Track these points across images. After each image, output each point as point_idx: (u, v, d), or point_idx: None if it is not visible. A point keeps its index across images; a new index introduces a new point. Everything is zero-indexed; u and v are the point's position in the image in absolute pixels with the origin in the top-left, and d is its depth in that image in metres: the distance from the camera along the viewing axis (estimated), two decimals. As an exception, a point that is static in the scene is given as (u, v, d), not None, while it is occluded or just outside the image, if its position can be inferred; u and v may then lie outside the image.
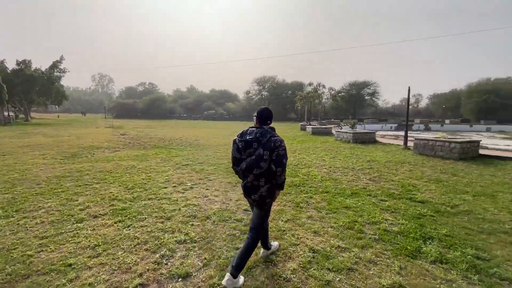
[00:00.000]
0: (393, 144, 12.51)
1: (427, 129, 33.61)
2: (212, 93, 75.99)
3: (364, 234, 3.31)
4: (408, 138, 11.36)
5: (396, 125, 35.02)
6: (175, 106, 68.74)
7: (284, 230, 3.41)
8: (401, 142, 12.11)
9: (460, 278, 2.44)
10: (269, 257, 2.78)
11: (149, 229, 3.40)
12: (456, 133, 27.53)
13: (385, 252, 2.89)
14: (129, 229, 3.40)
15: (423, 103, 69.78)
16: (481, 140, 9.74)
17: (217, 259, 2.73)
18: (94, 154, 9.42)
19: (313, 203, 4.47)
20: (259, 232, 2.44)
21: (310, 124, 23.69)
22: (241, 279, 2.32)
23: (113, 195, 4.76)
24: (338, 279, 2.42)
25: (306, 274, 2.49)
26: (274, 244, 2.92)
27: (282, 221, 3.72)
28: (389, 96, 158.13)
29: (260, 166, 2.20)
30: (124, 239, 3.14)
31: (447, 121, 39.02)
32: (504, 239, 3.19)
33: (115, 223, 3.58)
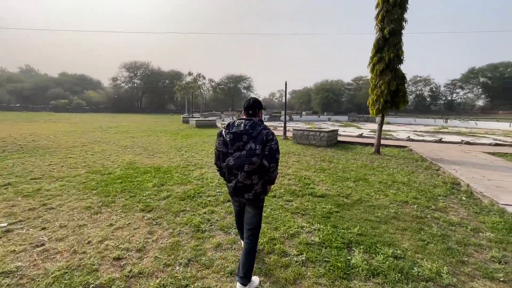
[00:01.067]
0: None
1: (291, 119, 39.95)
2: (63, 78, 59.01)
3: (289, 257, 2.66)
4: (286, 129, 12.41)
5: (268, 116, 39.52)
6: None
7: (186, 286, 2.24)
8: (281, 133, 13.13)
9: (396, 292, 2.18)
10: None
11: None
12: (311, 123, 34.20)
13: (320, 280, 2.33)
14: None
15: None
16: (338, 129, 11.90)
17: None
18: None
19: (217, 220, 3.49)
20: (258, 231, 2.30)
21: (193, 117, 22.34)
22: (254, 281, 2.21)
23: None
24: None
25: None
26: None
27: (179, 265, 2.51)
28: (260, 90, 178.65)
29: (252, 162, 2.04)
30: None
31: (303, 113, 47.83)
32: (398, 225, 3.41)
33: None
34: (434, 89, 57.58)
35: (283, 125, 12.19)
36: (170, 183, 5.04)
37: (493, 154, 8.62)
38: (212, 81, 37.08)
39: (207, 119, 19.03)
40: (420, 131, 20.00)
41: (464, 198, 4.48)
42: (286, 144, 10.50)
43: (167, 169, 6.09)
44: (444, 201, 4.34)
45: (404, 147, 9.80)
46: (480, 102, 57.96)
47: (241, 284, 2.08)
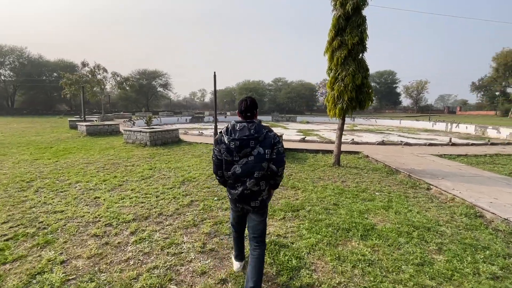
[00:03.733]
0: (201, 143, 10.29)
1: (216, 120, 37.08)
2: None
3: None
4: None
5: (190, 117, 35.51)
6: None
7: None
8: (210, 140, 10.17)
9: None
10: None
11: None
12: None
13: None
14: None
15: (207, 97, 79.48)
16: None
17: None
18: None
19: None
20: (265, 237, 2.17)
21: (85, 120, 16.62)
22: None
23: None
24: None
25: None
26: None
27: None
28: (180, 89, 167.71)
29: (262, 168, 1.93)
30: None
31: (228, 113, 45.61)
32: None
33: None
34: (339, 91, 64.79)
35: (213, 128, 9.25)
36: None
37: (440, 156, 8.14)
38: (117, 75, 30.07)
39: (106, 123, 14.07)
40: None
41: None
42: (220, 158, 7.68)
43: None
44: (525, 270, 2.47)
45: (357, 152, 8.48)
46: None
47: None
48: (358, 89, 6.14)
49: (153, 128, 10.50)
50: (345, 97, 6.06)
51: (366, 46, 6.17)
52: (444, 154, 8.38)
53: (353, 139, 11.43)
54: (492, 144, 10.66)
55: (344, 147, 9.12)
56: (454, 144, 10.41)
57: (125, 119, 25.14)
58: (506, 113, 42.20)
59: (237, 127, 1.92)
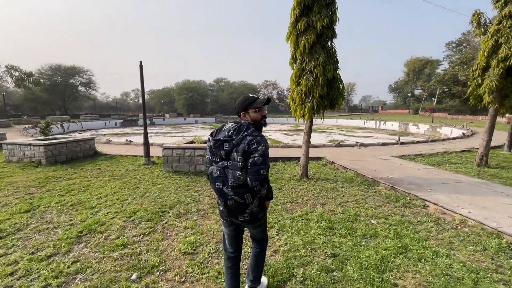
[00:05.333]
0: (127, 156, 7.83)
1: (152, 123, 32.99)
2: None
3: None
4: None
5: (121, 120, 30.77)
6: None
7: None
8: (140, 151, 7.81)
9: None
10: None
11: None
12: (177, 126, 29.20)
13: None
14: None
15: (143, 98, 71.84)
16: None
17: None
18: None
19: None
20: (266, 238, 2.04)
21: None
22: (264, 282, 2.13)
23: None
24: None
25: None
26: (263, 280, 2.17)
27: None
28: (109, 89, 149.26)
29: (237, 177, 1.66)
30: None
31: (167, 115, 41.50)
32: None
33: None
34: (280, 92, 66.59)
35: (142, 135, 7.00)
36: None
37: (400, 157, 7.75)
38: (16, 69, 23.39)
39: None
40: (286, 130, 21.24)
41: None
42: (151, 177, 5.58)
43: None
44: None
45: (320, 158, 7.45)
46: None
47: (250, 287, 1.99)
48: (329, 84, 4.96)
49: (52, 139, 7.52)
50: (316, 93, 4.79)
51: (335, 30, 5.03)
52: (403, 155, 8.05)
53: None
54: (432, 141, 11.18)
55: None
56: (403, 143, 10.49)
57: (28, 126, 19.69)
58: (416, 111, 49.52)
59: (225, 127, 1.78)
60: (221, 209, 1.82)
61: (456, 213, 3.55)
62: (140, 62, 6.47)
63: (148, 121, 32.71)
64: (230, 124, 1.76)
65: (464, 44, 42.81)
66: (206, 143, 6.65)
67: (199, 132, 20.77)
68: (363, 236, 3.05)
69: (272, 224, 3.33)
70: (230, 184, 1.68)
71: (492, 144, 7.35)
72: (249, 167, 1.63)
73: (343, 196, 4.46)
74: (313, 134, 16.38)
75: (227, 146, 1.69)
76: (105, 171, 6.12)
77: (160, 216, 3.57)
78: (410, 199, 4.24)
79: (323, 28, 4.72)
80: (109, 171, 6.07)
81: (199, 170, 5.96)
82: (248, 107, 1.76)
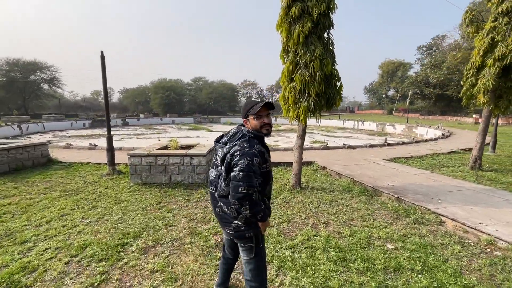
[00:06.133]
0: (89, 163, 6.69)
1: (126, 124, 30.86)
2: None
3: None
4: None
5: (90, 121, 28.33)
6: None
7: None
8: (103, 157, 6.70)
9: None
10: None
11: None
12: (153, 127, 27.46)
13: None
14: None
15: (115, 97, 67.98)
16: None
17: None
18: None
19: None
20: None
21: None
22: None
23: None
24: None
25: None
26: None
27: None
28: (79, 88, 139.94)
29: (222, 187, 1.57)
30: None
31: (142, 115, 39.20)
32: None
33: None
34: (259, 92, 66.07)
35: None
36: None
37: (392, 160, 7.37)
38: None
39: None
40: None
41: None
42: (114, 191, 4.59)
43: None
44: None
45: (310, 163, 6.84)
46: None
47: None
48: (327, 81, 4.31)
49: (-8, 145, 6.17)
50: (312, 91, 4.11)
51: (332, 19, 4.39)
52: (394, 158, 7.69)
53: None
54: (417, 142, 11.11)
55: (290, 155, 7.39)
56: (390, 145, 10.25)
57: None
58: (391, 112, 51.41)
59: (229, 132, 1.68)
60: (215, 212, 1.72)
61: (481, 231, 3.04)
62: (102, 52, 5.41)
63: (120, 122, 30.58)
64: (231, 129, 1.66)
65: (433, 48, 45.08)
66: (183, 148, 5.75)
67: (176, 133, 19.43)
68: (385, 271, 2.40)
69: (269, 258, 2.58)
70: (218, 191, 1.60)
71: (471, 145, 7.15)
72: (230, 180, 1.47)
73: (345, 211, 3.82)
74: (294, 135, 15.88)
75: (220, 152, 1.61)
76: (56, 184, 5.00)
77: (120, 252, 2.67)
78: (421, 213, 3.70)
79: (320, 16, 4.06)
80: (61, 185, 4.97)
81: (174, 181, 5.05)
82: (248, 113, 1.60)
